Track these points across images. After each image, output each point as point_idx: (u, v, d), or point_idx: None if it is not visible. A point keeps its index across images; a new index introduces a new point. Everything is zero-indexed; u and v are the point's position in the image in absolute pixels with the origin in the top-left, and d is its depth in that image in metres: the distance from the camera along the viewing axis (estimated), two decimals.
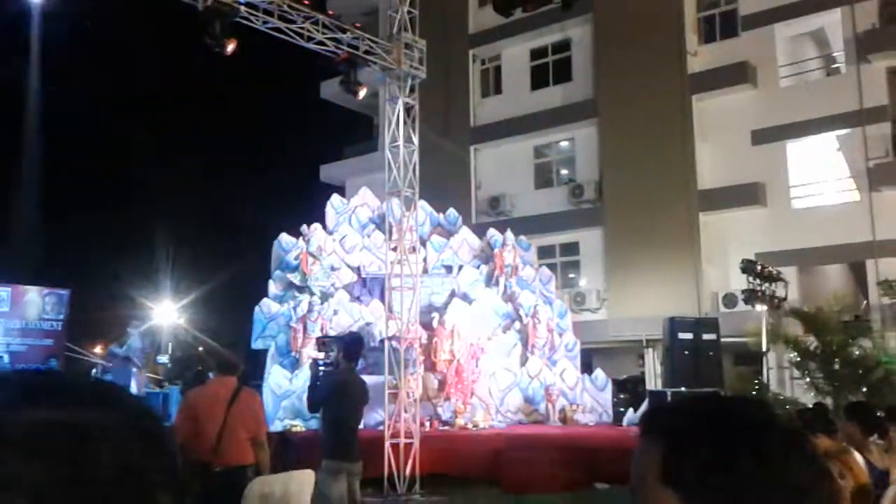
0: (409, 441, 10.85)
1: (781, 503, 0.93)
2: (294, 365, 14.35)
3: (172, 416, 7.84)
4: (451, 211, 18.34)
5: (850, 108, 20.17)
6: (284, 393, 13.79)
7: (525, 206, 24.83)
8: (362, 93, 11.98)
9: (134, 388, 14.73)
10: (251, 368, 13.13)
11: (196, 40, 9.64)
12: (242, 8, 9.87)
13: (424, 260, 16.44)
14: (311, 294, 15.30)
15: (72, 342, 18.31)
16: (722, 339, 15.57)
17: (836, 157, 21.02)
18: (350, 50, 11.04)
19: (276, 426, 12.84)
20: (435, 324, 14.93)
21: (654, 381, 20.00)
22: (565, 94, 25.03)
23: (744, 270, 16.22)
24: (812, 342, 16.32)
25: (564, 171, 25.68)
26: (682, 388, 13.97)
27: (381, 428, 11.30)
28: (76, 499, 0.66)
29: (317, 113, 30.91)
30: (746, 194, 21.30)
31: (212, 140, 39.37)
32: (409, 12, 11.66)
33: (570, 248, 24.59)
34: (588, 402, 16.22)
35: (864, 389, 15.25)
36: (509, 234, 17.59)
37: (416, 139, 11.72)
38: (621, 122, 22.93)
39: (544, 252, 23.44)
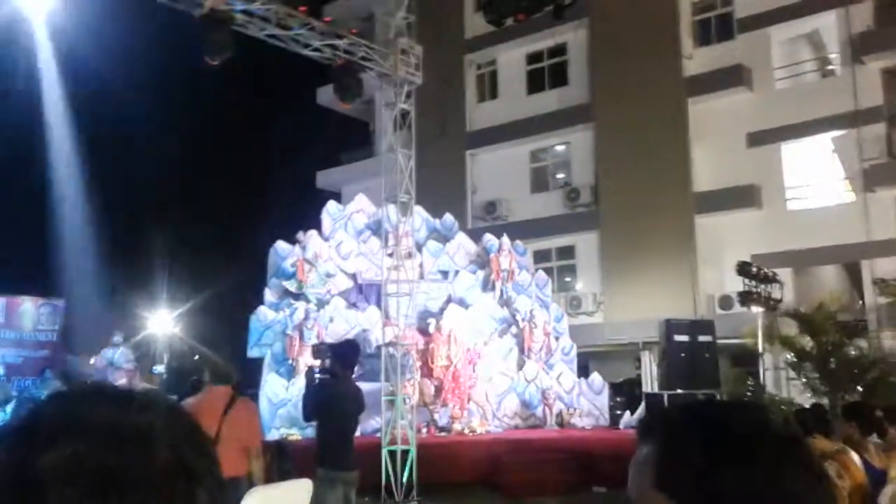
0: (406, 448, 10.83)
1: None
2: (290, 373, 14.33)
3: None
4: (447, 216, 18.35)
5: (845, 110, 20.25)
6: (281, 401, 13.77)
7: (521, 211, 24.87)
8: (353, 104, 11.96)
9: None
10: (247, 377, 13.09)
11: (192, 47, 9.62)
12: (239, 16, 9.87)
13: (420, 265, 16.44)
14: (308, 301, 15.28)
15: (67, 353, 18.25)
16: (718, 341, 15.59)
17: (831, 158, 21.09)
18: (346, 56, 11.05)
19: (273, 435, 12.81)
20: (431, 329, 14.93)
21: (650, 384, 20.02)
22: (561, 98, 25.08)
23: (739, 272, 16.23)
24: (808, 343, 16.35)
25: (560, 175, 25.73)
26: (679, 391, 13.96)
27: (377, 435, 11.29)
28: (138, 488, 0.77)
29: (313, 119, 30.93)
30: (742, 196, 21.35)
31: (207, 147, 39.35)
32: (405, 18, 11.68)
33: (566, 252, 24.61)
34: (585, 405, 16.23)
35: (860, 389, 15.28)
36: (505, 238, 17.60)
37: (412, 145, 11.73)
38: (617, 126, 22.98)
39: (540, 256, 23.47)
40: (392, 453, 10.71)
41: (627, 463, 1.04)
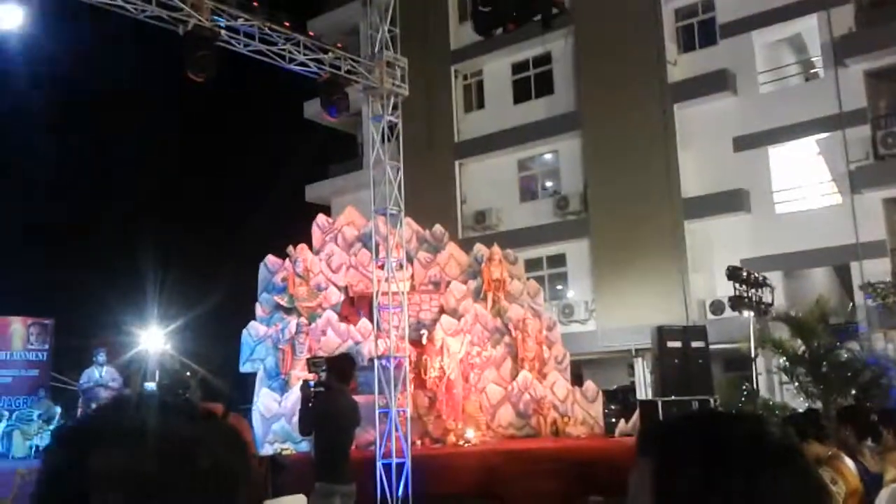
0: (400, 461, 10.78)
1: None
2: (283, 387, 14.26)
3: None
4: (438, 227, 18.34)
5: (829, 112, 20.40)
6: (274, 416, 13.69)
7: (511, 220, 24.92)
8: (339, 117, 11.98)
9: None
10: (240, 392, 13.03)
11: (179, 64, 9.60)
12: (223, 32, 9.87)
13: (412, 277, 16.43)
14: (299, 315, 15.23)
15: (57, 372, 18.12)
16: (711, 347, 15.59)
17: (817, 161, 21.22)
18: (332, 70, 11.06)
19: (267, 450, 12.74)
20: (424, 341, 14.90)
21: (644, 391, 20.01)
22: (548, 106, 25.19)
23: (730, 277, 16.26)
24: (800, 346, 16.39)
25: (549, 184, 25.81)
26: (673, 397, 13.95)
27: (372, 448, 11.23)
28: (179, 496, 0.83)
29: (301, 133, 30.98)
30: (730, 201, 21.46)
31: (196, 163, 39.30)
32: (389, 31, 11.70)
33: (557, 260, 24.66)
34: (579, 413, 16.20)
35: (853, 392, 15.32)
36: (496, 248, 17.61)
37: (400, 156, 11.73)
38: (604, 133, 23.08)
39: (531, 265, 23.49)
40: (387, 466, 10.66)
41: (624, 472, 1.05)
